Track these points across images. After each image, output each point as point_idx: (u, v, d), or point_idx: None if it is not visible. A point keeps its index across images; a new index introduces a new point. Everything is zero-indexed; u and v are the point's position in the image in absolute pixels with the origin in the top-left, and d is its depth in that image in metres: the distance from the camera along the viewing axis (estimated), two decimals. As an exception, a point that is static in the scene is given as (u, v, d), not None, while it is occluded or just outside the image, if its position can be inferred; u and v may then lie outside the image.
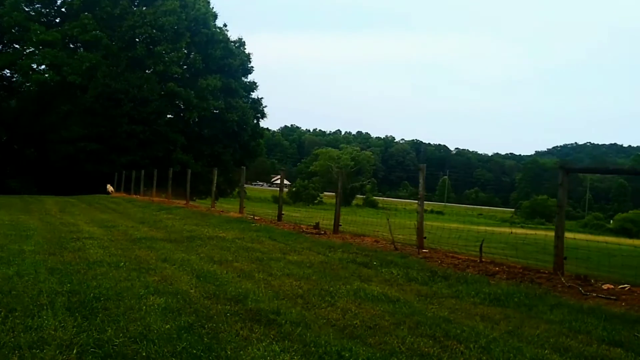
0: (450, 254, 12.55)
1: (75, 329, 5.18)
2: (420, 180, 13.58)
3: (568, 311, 6.91)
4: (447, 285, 8.45)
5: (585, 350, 5.40)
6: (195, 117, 55.10)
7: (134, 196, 35.78)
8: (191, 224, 16.58)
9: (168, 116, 56.93)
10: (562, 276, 9.63)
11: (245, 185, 26.12)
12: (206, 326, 5.47)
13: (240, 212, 22.26)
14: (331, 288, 7.70)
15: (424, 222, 13.54)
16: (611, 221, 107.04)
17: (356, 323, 5.92)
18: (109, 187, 41.80)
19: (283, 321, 5.75)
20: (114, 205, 27.36)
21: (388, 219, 13.80)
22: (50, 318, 5.49)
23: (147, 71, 54.30)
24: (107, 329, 5.22)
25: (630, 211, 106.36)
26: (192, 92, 52.98)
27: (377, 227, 18.27)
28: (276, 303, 6.53)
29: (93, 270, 8.22)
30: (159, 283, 7.47)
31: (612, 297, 8.04)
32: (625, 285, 9.01)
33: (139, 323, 5.46)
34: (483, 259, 11.70)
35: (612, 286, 8.97)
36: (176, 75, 54.08)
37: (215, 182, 26.71)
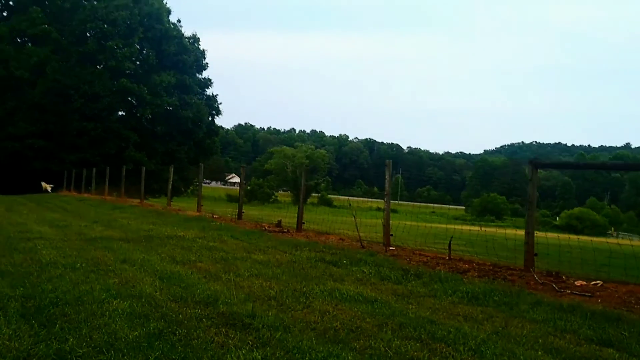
0: (418, 252, 12.35)
1: (32, 339, 4.70)
2: (387, 177, 13.29)
3: (549, 309, 6.73)
4: (422, 284, 8.19)
5: (576, 351, 5.18)
6: (148, 113, 53.95)
7: (85, 195, 34.76)
8: (148, 223, 16.02)
9: (120, 113, 55.73)
10: (534, 273, 9.49)
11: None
12: (177, 332, 5.04)
13: (198, 210, 21.74)
14: (304, 288, 7.34)
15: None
16: (557, 218, 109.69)
17: (337, 326, 5.56)
18: (45, 185, 40.37)
19: (260, 325, 5.36)
20: (64, 204, 26.47)
21: (355, 217, 13.47)
22: (2, 326, 5.00)
23: (98, 67, 53.01)
24: (69, 337, 4.75)
25: (575, 208, 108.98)
26: (145, 88, 51.93)
27: (339, 225, 17.95)
28: (249, 305, 6.12)
29: (47, 272, 7.68)
30: (120, 285, 6.98)
31: (586, 294, 7.92)
32: (598, 282, 8.97)
33: (103, 330, 4.99)
34: (452, 257, 11.53)
35: (584, 282, 8.90)
36: (129, 71, 52.92)
37: (171, 180, 26.05)
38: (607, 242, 18.04)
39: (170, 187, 26.55)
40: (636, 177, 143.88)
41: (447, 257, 11.42)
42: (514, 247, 15.24)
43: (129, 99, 54.31)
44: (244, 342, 4.85)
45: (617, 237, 70.74)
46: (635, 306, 7.14)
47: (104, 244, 11.12)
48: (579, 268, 11.63)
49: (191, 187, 60.42)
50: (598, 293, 8.03)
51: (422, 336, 5.34)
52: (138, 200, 27.67)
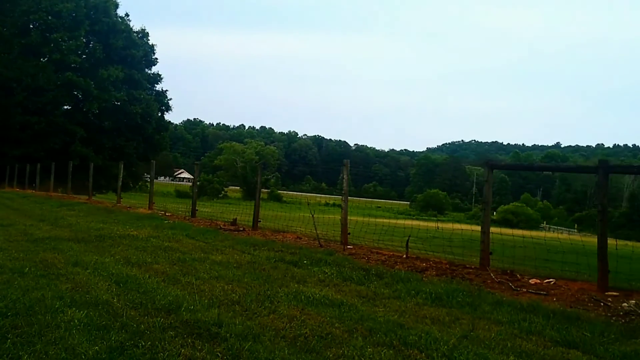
0: (375, 250, 12.29)
1: (-20, 358, 4.39)
2: (345, 175, 13.15)
3: (511, 309, 6.75)
4: (385, 285, 8.08)
5: (545, 354, 5.17)
6: (95, 108, 52.65)
7: (30, 191, 33.72)
8: (98, 222, 15.53)
9: (66, 107, 54.21)
10: (490, 271, 9.52)
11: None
12: (141, 345, 4.79)
13: (150, 207, 21.24)
14: (268, 292, 7.14)
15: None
16: (494, 213, 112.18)
17: (306, 332, 5.40)
18: None
19: (227, 334, 5.14)
20: (7, 200, 25.55)
21: (313, 215, 13.26)
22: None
23: (42, 59, 51.41)
24: (21, 354, 4.46)
25: (510, 203, 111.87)
26: (92, 82, 50.64)
27: (292, 222, 17.74)
28: (214, 312, 5.90)
29: (-7, 278, 7.27)
30: (74, 292, 6.66)
31: (542, 292, 8.03)
32: (551, 280, 9.11)
33: (60, 346, 4.69)
34: (409, 255, 11.47)
35: (538, 281, 9.04)
36: (74, 65, 51.42)
37: (121, 176, 25.41)
38: (544, 238, 18.33)
39: (120, 183, 25.92)
40: (566, 175, 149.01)
41: (405, 256, 11.39)
42: (461, 242, 15.38)
43: (75, 93, 52.83)
44: (213, 355, 4.65)
45: (548, 230, 73.37)
46: (589, 304, 7.25)
47: (52, 245, 10.71)
48: (521, 263, 11.69)
49: (140, 183, 59.33)
50: (553, 291, 8.13)
51: (394, 342, 5.24)
52: (86, 197, 26.94)
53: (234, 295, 6.85)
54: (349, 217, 13.41)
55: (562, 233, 61.22)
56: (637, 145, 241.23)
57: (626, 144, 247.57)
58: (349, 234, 13.08)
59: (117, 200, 24.78)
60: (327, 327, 5.63)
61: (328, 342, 5.13)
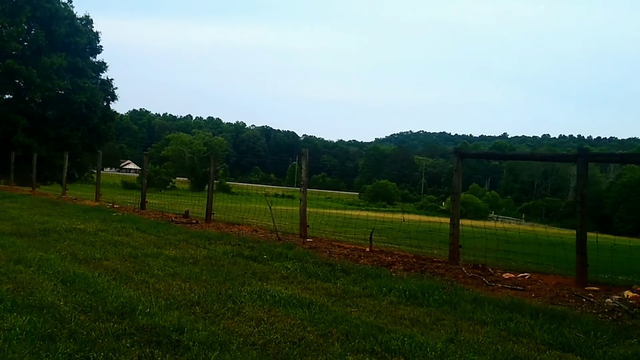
0: (336, 243, 11.92)
1: None
2: (303, 166, 12.68)
3: (493, 308, 6.35)
4: (353, 281, 7.62)
5: (541, 358, 4.78)
6: (38, 97, 50.65)
7: (-33, 183, 32.37)
8: (42, 215, 14.68)
9: (7, 96, 52.25)
10: (462, 265, 9.20)
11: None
12: (92, 357, 4.20)
13: (97, 199, 20.40)
14: (229, 290, 6.59)
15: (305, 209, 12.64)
16: (443, 203, 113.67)
17: (277, 338, 4.88)
18: None
19: (191, 342, 4.58)
20: (-58, 193, 24.33)
21: (271, 207, 12.73)
22: None
23: (-20, 46, 49.43)
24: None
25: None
26: (35, 70, 48.79)
27: (245, 214, 17.21)
28: (173, 315, 5.32)
29: None
30: (15, 293, 5.99)
31: (518, 288, 7.70)
32: (525, 274, 8.88)
33: (-3, 362, 4.05)
34: (373, 248, 11.09)
35: (512, 275, 8.79)
36: (15, 52, 49.45)
37: (66, 167, 24.39)
38: (504, 228, 18.20)
39: (65, 174, 24.89)
40: (514, 165, 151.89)
41: (368, 249, 11.00)
42: (415, 234, 15.09)
43: (17, 81, 50.85)
44: (178, 368, 4.08)
45: (497, 220, 74.56)
46: (571, 300, 6.95)
47: (-9, 240, 9.93)
48: (484, 255, 11.39)
49: (86, 174, 57.61)
50: (529, 286, 7.82)
51: (375, 348, 4.77)
52: (29, 189, 25.84)
53: (192, 295, 6.30)
54: (296, 208, 13.03)
55: (510, 223, 62.08)
56: (582, 135, 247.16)
57: (571, 135, 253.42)
58: (308, 226, 12.62)
59: (63, 192, 23.75)
60: (299, 331, 5.12)
61: (302, 350, 4.62)
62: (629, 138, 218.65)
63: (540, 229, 40.11)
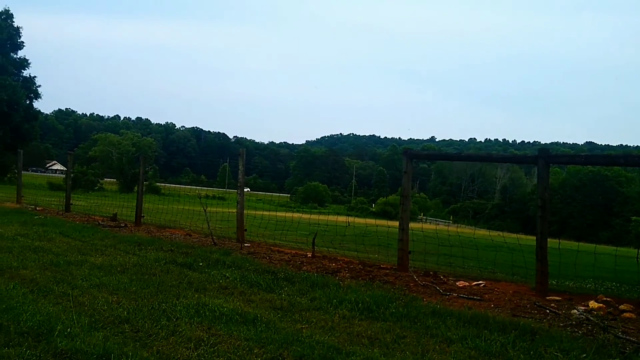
0: (275, 248, 11.34)
1: None
2: (240, 167, 11.99)
3: (456, 322, 5.82)
4: (299, 292, 6.99)
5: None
6: (-43, 95, 48.47)
7: None
8: (-46, 218, 13.54)
9: None
10: (412, 272, 8.73)
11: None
12: (-4, 395, 3.42)
13: (18, 201, 19.16)
14: (163, 304, 5.85)
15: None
16: (373, 205, 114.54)
17: (221, 364, 4.18)
18: None
19: (118, 374, 3.84)
20: None
21: (205, 210, 11.99)
22: None
23: None
24: None
25: (389, 196, 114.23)
26: (-51, 66, 46.56)
27: (177, 217, 16.43)
28: (98, 337, 4.55)
29: None
30: None
31: (475, 297, 7.24)
32: (480, 282, 8.48)
33: None
34: (315, 254, 10.55)
35: (466, 283, 8.36)
36: None
37: (-19, 166, 22.95)
38: (436, 230, 17.90)
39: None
40: (441, 168, 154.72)
41: (311, 255, 10.46)
42: (353, 237, 14.60)
43: None
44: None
45: (425, 222, 75.35)
46: (533, 312, 6.53)
47: None
48: (424, 260, 11.02)
49: (8, 175, 55.15)
50: (486, 296, 7.38)
51: (336, 375, 4.13)
52: (-58, 190, 24.33)
53: (121, 310, 5.54)
54: (229, 211, 12.40)
55: (439, 224, 62.58)
56: (507, 139, 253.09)
57: (497, 139, 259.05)
58: (246, 230, 11.95)
59: (-21, 193, 22.39)
60: (245, 354, 4.42)
61: (253, 379, 3.99)
62: (551, 142, 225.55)
63: (469, 230, 40.42)
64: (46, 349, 4.25)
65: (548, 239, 7.74)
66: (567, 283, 9.47)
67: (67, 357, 4.11)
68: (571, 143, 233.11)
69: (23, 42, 56.38)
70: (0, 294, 5.90)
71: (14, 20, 55.53)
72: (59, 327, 4.73)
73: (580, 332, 5.57)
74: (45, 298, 5.92)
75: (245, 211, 12.02)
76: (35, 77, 57.49)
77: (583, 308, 6.40)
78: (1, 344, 4.32)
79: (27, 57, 57.01)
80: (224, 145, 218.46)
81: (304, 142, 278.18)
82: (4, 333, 4.58)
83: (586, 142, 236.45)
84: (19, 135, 53.25)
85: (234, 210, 12.75)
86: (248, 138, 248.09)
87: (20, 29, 56.07)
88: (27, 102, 56.08)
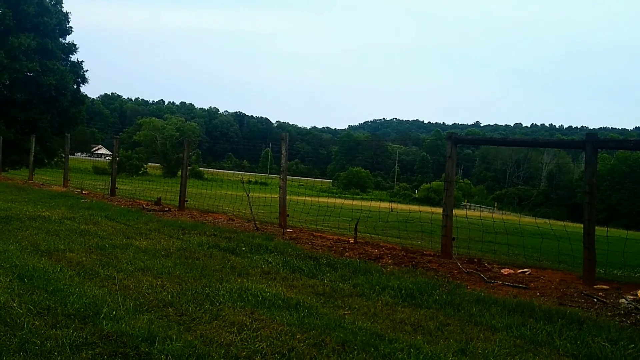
0: (317, 234, 11.31)
1: None
2: (283, 151, 12.02)
3: (500, 310, 5.73)
4: (341, 278, 6.97)
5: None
6: (6, 79, 49.18)
7: None
8: (6, 201, 13.82)
9: (-26, 78, 50.72)
10: (455, 259, 8.63)
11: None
12: (44, 377, 3.48)
13: (65, 185, 19.55)
14: (206, 289, 5.91)
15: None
16: (416, 191, 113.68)
17: (263, 348, 4.21)
18: None
19: (163, 356, 3.88)
20: None
21: (248, 195, 12.05)
22: None
23: (-55, 26, 47.79)
24: None
25: (432, 182, 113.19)
26: (2, 51, 47.37)
27: (220, 202, 16.54)
28: (142, 320, 4.63)
29: None
30: (-38, 292, 5.27)
31: (521, 285, 7.09)
32: (526, 270, 8.26)
33: None
34: (358, 240, 10.50)
35: (511, 271, 8.17)
36: (-19, 32, 48.04)
37: (33, 151, 23.43)
38: (481, 217, 17.61)
39: (32, 158, 23.91)
40: (486, 153, 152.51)
41: (353, 241, 10.41)
42: (396, 224, 14.53)
43: (-17, 62, 49.42)
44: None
45: (469, 208, 74.50)
46: (580, 300, 6.38)
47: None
48: (467, 247, 10.88)
49: (55, 159, 56.14)
50: (532, 284, 7.23)
51: (379, 362, 4.10)
52: (-5, 174, 24.91)
53: (165, 293, 5.62)
54: (273, 196, 12.43)
55: (483, 211, 61.93)
56: (553, 124, 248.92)
57: (543, 124, 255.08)
58: (288, 215, 11.98)
59: (29, 176, 22.83)
60: (288, 339, 4.44)
61: (296, 364, 3.99)
62: (600, 127, 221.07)
63: (514, 217, 39.89)
64: (92, 331, 4.33)
65: (596, 227, 7.57)
66: (615, 272, 9.25)
67: (112, 339, 4.18)
68: (620, 128, 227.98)
69: (71, 28, 56.95)
70: (48, 276, 6.03)
71: (62, 5, 56.16)
72: (104, 310, 4.81)
73: (628, 321, 5.45)
74: (91, 281, 6.03)
75: (288, 197, 12.06)
76: (82, 62, 58.03)
77: (632, 297, 6.24)
78: (49, 325, 4.42)
79: (74, 42, 57.48)
80: (266, 130, 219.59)
81: (346, 127, 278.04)
82: (51, 315, 4.68)
83: (635, 127, 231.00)
84: (66, 119, 54.05)
85: (276, 196, 12.80)
86: (290, 123, 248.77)
87: (69, 15, 56.67)
88: (75, 86, 56.69)
